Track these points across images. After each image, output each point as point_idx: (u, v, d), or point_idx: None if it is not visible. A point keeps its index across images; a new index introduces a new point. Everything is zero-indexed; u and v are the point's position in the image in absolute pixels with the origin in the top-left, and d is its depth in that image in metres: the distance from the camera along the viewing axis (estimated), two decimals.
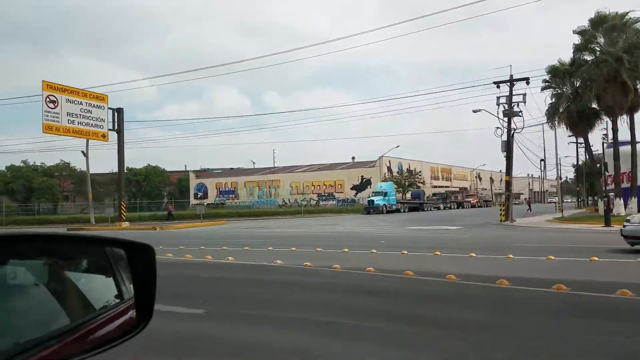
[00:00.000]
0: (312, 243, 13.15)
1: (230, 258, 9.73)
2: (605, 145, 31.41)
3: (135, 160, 72.75)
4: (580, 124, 26.16)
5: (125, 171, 68.93)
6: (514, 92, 25.48)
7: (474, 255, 9.74)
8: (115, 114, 28.92)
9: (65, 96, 26.08)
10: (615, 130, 25.45)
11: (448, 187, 62.98)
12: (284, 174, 64.29)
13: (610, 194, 23.46)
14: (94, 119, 27.60)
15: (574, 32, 24.29)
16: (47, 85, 25.45)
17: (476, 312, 4.96)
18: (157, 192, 70.61)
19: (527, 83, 25.71)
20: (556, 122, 27.93)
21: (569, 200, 66.45)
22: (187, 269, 8.50)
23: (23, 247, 0.75)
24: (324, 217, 38.15)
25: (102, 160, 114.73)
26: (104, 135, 28.23)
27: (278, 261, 8.72)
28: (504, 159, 26.70)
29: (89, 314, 0.84)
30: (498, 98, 25.99)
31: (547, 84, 27.34)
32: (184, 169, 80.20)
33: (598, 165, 33.27)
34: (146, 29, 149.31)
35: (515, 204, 66.94)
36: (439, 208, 49.05)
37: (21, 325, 0.68)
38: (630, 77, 23.28)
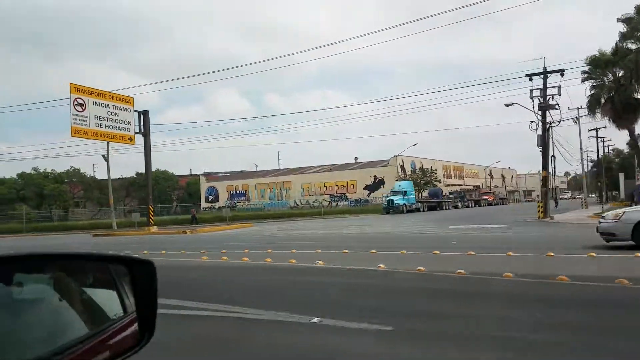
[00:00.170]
0: (378, 245, 12.56)
1: (319, 262, 9.22)
2: None
3: (136, 165, 72.14)
4: (624, 114, 25.77)
5: (135, 176, 69.14)
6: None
7: (552, 254, 9.11)
8: (141, 116, 28.49)
9: (92, 99, 25.64)
10: None
11: (460, 185, 62.73)
12: (295, 176, 63.89)
13: None
14: (120, 122, 27.16)
15: (619, 19, 23.92)
16: (75, 87, 25.00)
17: None
18: (166, 196, 70.30)
19: (562, 75, 25.43)
20: (599, 114, 27.56)
21: (578, 197, 66.18)
22: (305, 275, 7.98)
23: (28, 266, 0.78)
24: (346, 217, 37.74)
25: (116, 166, 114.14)
26: (130, 139, 27.79)
27: (381, 265, 8.17)
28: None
29: (94, 329, 0.86)
30: (531, 91, 25.73)
31: (587, 75, 26.99)
32: (188, 173, 79.89)
33: None
34: (147, 34, 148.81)
35: (528, 201, 67.04)
36: (456, 207, 48.67)
37: (28, 340, 0.69)
38: None
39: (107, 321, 0.92)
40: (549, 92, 25.27)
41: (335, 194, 59.36)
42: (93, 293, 0.98)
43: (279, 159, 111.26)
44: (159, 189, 70.64)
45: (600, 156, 49.12)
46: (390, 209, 40.37)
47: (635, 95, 25.68)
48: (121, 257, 1.00)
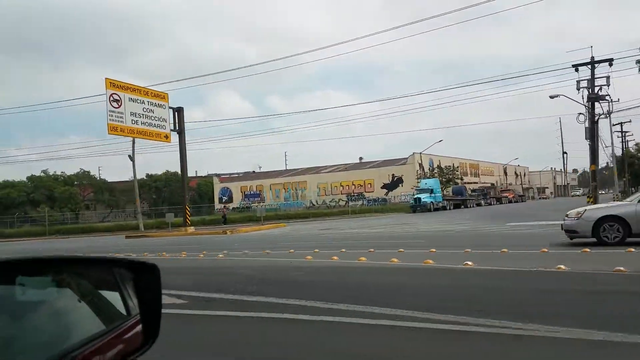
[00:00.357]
0: (463, 243, 11.43)
1: (429, 261, 8.33)
2: None
3: (144, 166, 71.09)
4: None
5: (145, 177, 68.10)
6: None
7: None
8: (175, 113, 27.53)
9: (128, 95, 24.65)
10: None
11: (476, 182, 62.15)
12: (310, 175, 63.02)
13: None
14: (156, 118, 26.18)
15: None
16: (111, 83, 24.02)
17: None
18: (177, 198, 69.30)
19: (610, 65, 24.80)
20: None
21: (582, 192, 65.76)
22: (461, 276, 7.05)
23: (31, 270, 0.79)
24: (373, 216, 36.99)
25: (120, 168, 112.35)
26: (166, 136, 26.81)
27: (561, 266, 7.21)
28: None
29: (98, 331, 0.87)
30: (578, 82, 25.10)
31: None
32: (194, 175, 78.94)
33: None
34: (147, 38, 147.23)
35: (542, 198, 66.65)
36: (479, 204, 48.01)
37: (31, 343, 0.71)
38: None
39: (110, 324, 0.92)
40: (595, 82, 24.66)
41: (352, 194, 58.52)
42: (96, 296, 0.98)
43: (285, 160, 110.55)
44: (170, 190, 69.77)
45: (623, 151, 48.68)
46: (417, 207, 39.63)
47: None
48: (126, 260, 0.99)
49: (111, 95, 23.88)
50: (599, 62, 24.77)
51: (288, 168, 73.52)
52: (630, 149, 53.48)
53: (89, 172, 63.05)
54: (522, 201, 55.25)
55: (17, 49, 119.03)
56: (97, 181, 63.38)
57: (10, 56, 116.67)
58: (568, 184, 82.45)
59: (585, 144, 25.58)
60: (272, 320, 4.73)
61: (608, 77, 25.10)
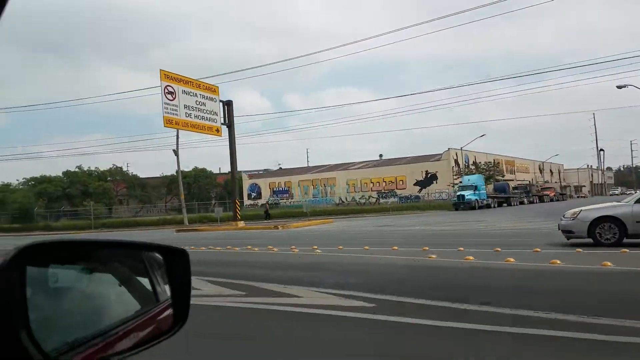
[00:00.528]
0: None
1: (607, 263, 7.60)
2: None
3: (164, 164, 71.37)
4: None
5: (175, 174, 68.27)
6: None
7: None
8: (225, 107, 27.17)
9: (181, 87, 24.36)
10: None
11: (512, 180, 60.73)
12: (340, 172, 62.39)
13: None
14: (207, 112, 25.86)
15: None
16: (165, 74, 23.74)
17: None
18: (205, 194, 69.53)
19: None
20: None
21: (630, 191, 63.71)
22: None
23: (63, 253, 0.80)
24: (416, 214, 36.23)
25: (148, 164, 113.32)
26: (217, 130, 26.48)
27: None
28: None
29: (128, 314, 0.90)
30: None
31: None
32: (218, 172, 79.09)
33: None
34: (166, 36, 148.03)
35: (580, 197, 64.68)
36: (522, 202, 46.69)
37: (67, 325, 0.74)
38: None
39: (140, 308, 0.93)
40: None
41: (382, 190, 57.74)
42: (127, 280, 0.99)
43: (307, 157, 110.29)
44: (198, 186, 70.02)
45: None
46: (460, 204, 38.62)
47: None
48: (157, 245, 0.99)
49: (166, 87, 23.60)
50: None
51: (311, 165, 73.09)
52: None
53: (121, 167, 63.55)
54: (562, 199, 53.70)
55: (35, 47, 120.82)
56: (129, 177, 63.88)
57: (32, 54, 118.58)
58: (605, 182, 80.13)
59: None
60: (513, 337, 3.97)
61: None
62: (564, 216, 10.79)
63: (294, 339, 4.13)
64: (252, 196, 65.14)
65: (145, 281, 1.00)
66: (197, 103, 25.29)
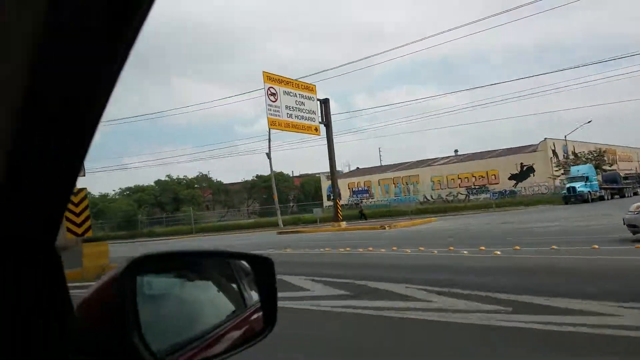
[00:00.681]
0: None
1: None
2: None
3: (243, 170, 72.95)
4: None
5: (255, 178, 69.93)
6: None
7: None
8: (322, 105, 26.50)
9: (282, 88, 24.02)
10: None
11: (614, 169, 54.70)
12: (423, 168, 59.96)
13: None
14: (306, 111, 25.34)
15: None
16: (267, 76, 23.51)
17: None
18: (284, 196, 70.31)
19: None
20: None
21: None
22: None
23: (164, 263, 0.87)
24: (528, 210, 33.24)
25: (226, 170, 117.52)
26: (316, 129, 25.89)
27: None
28: None
29: (221, 319, 0.95)
30: None
31: None
32: (290, 174, 79.60)
33: None
34: (233, 48, 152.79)
35: None
36: (636, 193, 41.75)
37: (169, 329, 0.81)
38: None
39: (231, 312, 0.99)
40: None
41: (472, 186, 54.50)
42: (218, 287, 1.05)
43: (380, 156, 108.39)
44: (278, 189, 70.95)
45: None
46: (571, 197, 35.07)
47: None
48: (245, 254, 1.04)
49: (269, 89, 23.33)
50: None
51: (386, 164, 71.26)
52: None
53: (206, 174, 65.95)
54: None
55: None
56: (214, 183, 66.12)
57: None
58: None
59: None
60: None
61: None
62: (630, 211, 10.36)
63: None
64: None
65: (234, 287, 1.04)
66: (297, 103, 24.82)
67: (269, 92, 23.31)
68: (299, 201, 68.98)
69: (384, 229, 23.62)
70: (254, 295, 1.02)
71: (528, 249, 10.10)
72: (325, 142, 26.72)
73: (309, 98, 25.67)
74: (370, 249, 12.86)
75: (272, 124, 23.30)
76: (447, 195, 55.33)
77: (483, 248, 10.66)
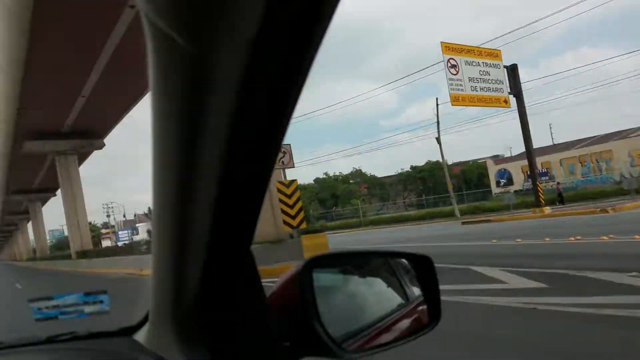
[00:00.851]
0: None
1: None
2: None
3: (391, 163, 70.27)
4: None
5: (409, 169, 67.53)
6: None
7: None
8: (510, 73, 22.82)
9: (463, 58, 21.21)
10: None
11: None
12: (616, 142, 50.02)
13: None
14: (492, 81, 22.03)
15: None
16: (446, 47, 20.96)
17: None
18: (442, 186, 66.43)
19: None
20: None
21: None
22: None
23: (334, 261, 1.01)
24: None
25: (376, 165, 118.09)
26: (505, 101, 22.39)
27: None
28: None
29: (385, 312, 1.01)
30: None
31: None
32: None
33: None
34: (375, 40, 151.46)
35: None
36: None
37: (340, 319, 0.88)
38: None
39: (394, 306, 1.04)
40: None
41: None
42: (379, 282, 1.12)
43: (551, 133, 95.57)
44: (434, 180, 67.37)
45: None
46: None
47: None
48: (404, 253, 1.10)
49: (448, 60, 20.75)
50: None
51: (556, 143, 61.28)
52: None
53: (360, 169, 66.05)
54: None
55: None
56: (368, 177, 65.76)
57: None
58: None
59: None
60: None
61: None
62: None
63: None
64: (502, 183, 58.30)
65: (395, 283, 1.09)
66: (481, 73, 21.66)
67: (449, 65, 20.67)
68: (458, 190, 64.47)
69: (607, 212, 19.08)
70: (415, 290, 1.05)
71: None
72: (516, 116, 22.96)
73: (495, 66, 22.24)
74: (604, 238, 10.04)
75: (455, 100, 20.61)
76: None
77: None
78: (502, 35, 72.38)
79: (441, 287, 1.00)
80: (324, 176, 63.86)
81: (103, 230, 65.70)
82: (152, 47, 0.45)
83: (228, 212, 0.58)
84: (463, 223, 24.34)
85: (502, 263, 8.12)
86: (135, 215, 73.19)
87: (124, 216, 79.21)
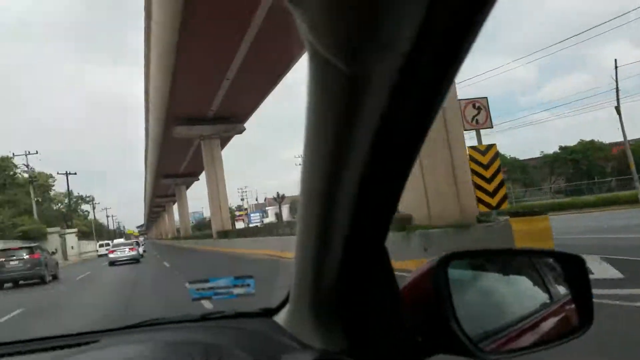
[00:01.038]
0: None
1: None
2: None
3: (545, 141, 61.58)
4: None
5: (559, 151, 59.12)
6: None
7: None
8: None
9: None
10: None
11: None
12: None
13: None
14: None
15: None
16: None
17: None
18: (596, 170, 56.93)
19: None
20: None
21: None
22: None
23: (464, 259, 0.95)
24: None
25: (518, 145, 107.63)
26: None
27: None
28: None
29: (526, 312, 0.96)
30: None
31: None
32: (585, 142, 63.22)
33: None
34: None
35: None
36: None
37: (476, 318, 0.84)
38: None
39: (537, 306, 1.00)
40: None
41: None
42: (519, 281, 1.07)
43: None
44: (589, 161, 58.14)
45: None
46: None
47: None
48: (550, 252, 1.07)
49: None
50: None
51: None
52: None
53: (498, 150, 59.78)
54: None
55: None
56: (507, 160, 59.22)
57: None
58: None
59: None
60: None
61: None
62: None
63: None
64: None
65: (537, 281, 1.05)
66: None
67: None
68: (620, 174, 54.70)
69: None
70: (560, 290, 0.99)
71: None
72: None
73: None
74: None
75: None
76: None
77: None
78: None
79: None
80: None
81: (237, 213, 70.00)
82: (311, 68, 0.47)
83: (368, 209, 0.60)
84: None
85: None
86: (265, 199, 76.70)
87: (257, 199, 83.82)
